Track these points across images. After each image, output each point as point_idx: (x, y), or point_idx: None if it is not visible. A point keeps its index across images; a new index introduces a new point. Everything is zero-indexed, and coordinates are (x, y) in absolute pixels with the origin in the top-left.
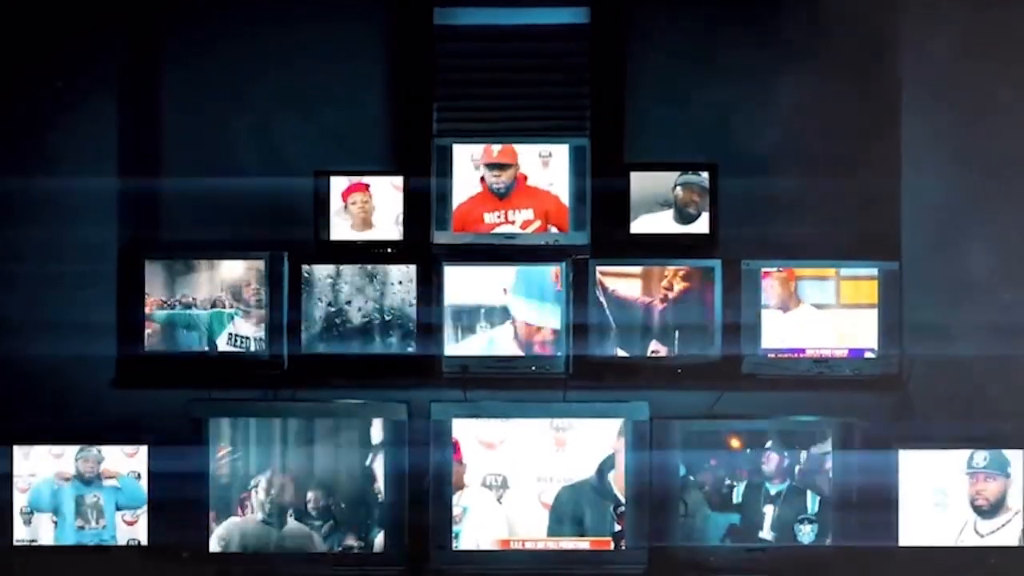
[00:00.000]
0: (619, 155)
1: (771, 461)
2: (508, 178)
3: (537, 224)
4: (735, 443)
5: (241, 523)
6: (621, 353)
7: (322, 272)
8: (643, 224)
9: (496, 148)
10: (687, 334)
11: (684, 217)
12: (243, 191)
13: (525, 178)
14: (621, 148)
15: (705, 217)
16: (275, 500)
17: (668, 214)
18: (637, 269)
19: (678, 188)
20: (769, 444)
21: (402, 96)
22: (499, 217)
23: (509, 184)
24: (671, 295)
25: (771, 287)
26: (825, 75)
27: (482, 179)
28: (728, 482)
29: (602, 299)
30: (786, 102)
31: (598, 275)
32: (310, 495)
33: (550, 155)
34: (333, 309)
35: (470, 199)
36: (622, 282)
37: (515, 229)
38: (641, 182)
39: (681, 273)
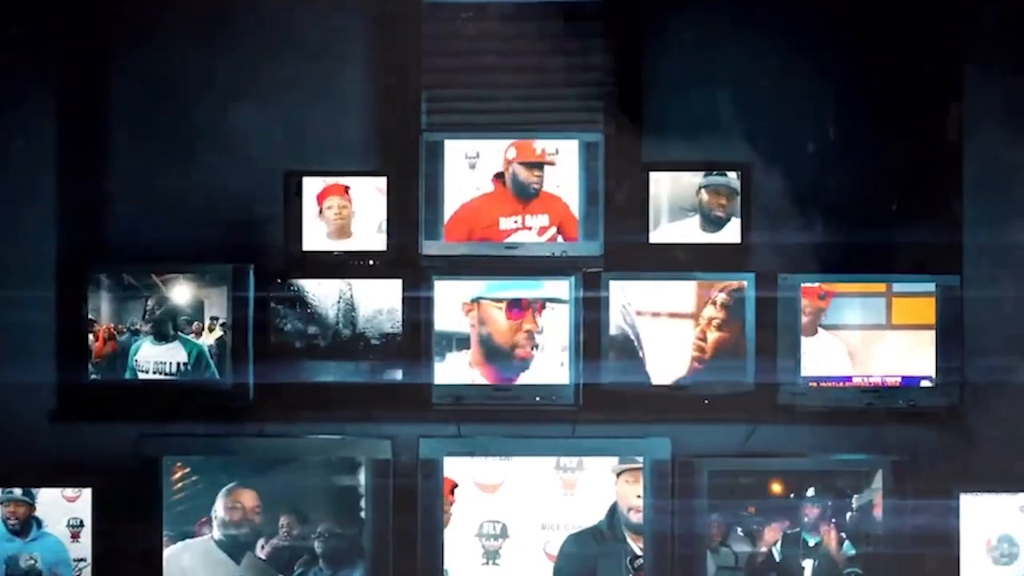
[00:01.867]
0: (637, 153)
1: (812, 507)
2: (544, 177)
3: (552, 232)
4: (770, 486)
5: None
6: (639, 381)
7: (294, 287)
8: (665, 232)
9: (538, 144)
10: (715, 358)
11: (710, 223)
12: (202, 196)
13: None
14: (639, 145)
15: (735, 224)
16: (236, 540)
17: (694, 220)
18: (662, 285)
19: (703, 191)
20: (810, 488)
21: (386, 84)
22: (516, 222)
23: (540, 185)
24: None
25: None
26: (878, 58)
27: (498, 178)
28: (761, 532)
29: (620, 321)
30: (830, 90)
31: (612, 291)
32: (281, 542)
33: (556, 153)
34: (307, 330)
35: (480, 198)
36: (643, 300)
37: (532, 236)
38: (662, 184)
39: (721, 299)
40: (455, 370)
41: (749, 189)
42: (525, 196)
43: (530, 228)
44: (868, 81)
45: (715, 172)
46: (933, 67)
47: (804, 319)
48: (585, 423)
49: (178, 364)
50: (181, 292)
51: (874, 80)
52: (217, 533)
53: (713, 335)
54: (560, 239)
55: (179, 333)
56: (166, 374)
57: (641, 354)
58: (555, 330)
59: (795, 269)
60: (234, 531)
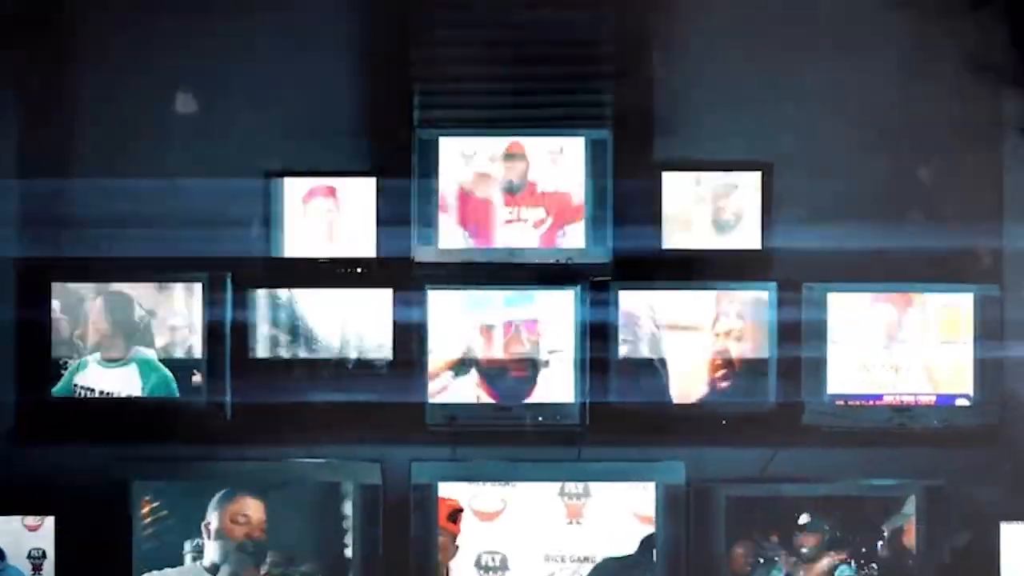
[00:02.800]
0: (648, 151)
1: (838, 535)
2: (522, 172)
3: (549, 223)
4: (794, 513)
5: None
6: (650, 400)
7: (275, 298)
8: (679, 237)
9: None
10: (732, 373)
11: (719, 227)
12: (176, 197)
13: (535, 186)
14: (650, 142)
15: (755, 229)
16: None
17: (709, 225)
18: (676, 295)
19: (713, 191)
20: (837, 515)
21: (375, 76)
22: (512, 213)
23: (522, 179)
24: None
25: None
26: (911, 49)
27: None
28: (784, 561)
29: (631, 334)
30: (858, 83)
31: (622, 301)
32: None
33: (561, 151)
34: (289, 344)
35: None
36: (656, 311)
37: (527, 229)
38: (676, 185)
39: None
40: (453, 387)
41: (770, 190)
42: (509, 189)
43: (525, 220)
44: (901, 74)
45: (731, 172)
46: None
47: (879, 331)
48: (592, 445)
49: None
50: (153, 302)
51: (908, 73)
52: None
53: (735, 348)
54: (566, 237)
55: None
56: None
57: (653, 370)
58: (559, 344)
59: (821, 278)
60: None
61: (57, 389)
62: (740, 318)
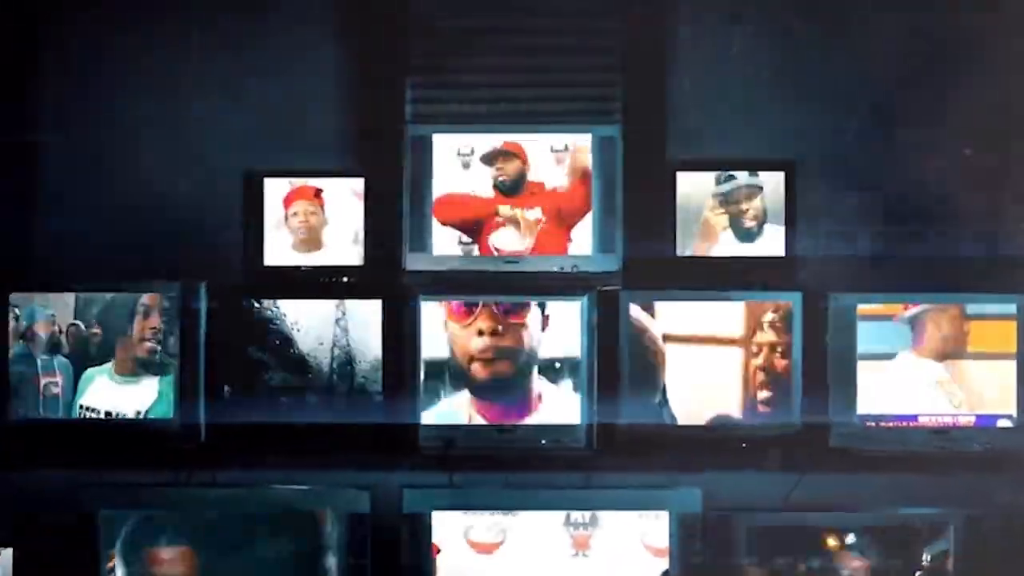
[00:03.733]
0: (661, 149)
1: (870, 567)
2: (514, 171)
3: (553, 228)
4: (821, 544)
5: None
6: (664, 421)
7: (254, 309)
8: (694, 243)
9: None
10: (753, 392)
11: (740, 233)
12: (146, 200)
13: (541, 186)
14: (664, 139)
15: (777, 235)
16: None
17: (728, 230)
18: (691, 306)
19: (729, 194)
20: (868, 546)
21: (363, 66)
22: (512, 217)
23: (516, 178)
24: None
25: None
26: (946, 38)
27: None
28: None
29: (642, 345)
30: (889, 74)
31: (632, 313)
32: None
33: (566, 149)
34: (269, 360)
35: (467, 195)
36: (669, 323)
37: (529, 233)
38: (692, 186)
39: (768, 319)
40: (447, 406)
41: (794, 192)
42: (501, 189)
43: (527, 225)
44: (933, 64)
45: (726, 175)
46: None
47: (914, 345)
48: (600, 470)
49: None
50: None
51: (940, 62)
52: None
53: (756, 363)
54: (573, 250)
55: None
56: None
57: (667, 389)
58: (564, 359)
59: (849, 287)
60: None
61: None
62: (764, 330)
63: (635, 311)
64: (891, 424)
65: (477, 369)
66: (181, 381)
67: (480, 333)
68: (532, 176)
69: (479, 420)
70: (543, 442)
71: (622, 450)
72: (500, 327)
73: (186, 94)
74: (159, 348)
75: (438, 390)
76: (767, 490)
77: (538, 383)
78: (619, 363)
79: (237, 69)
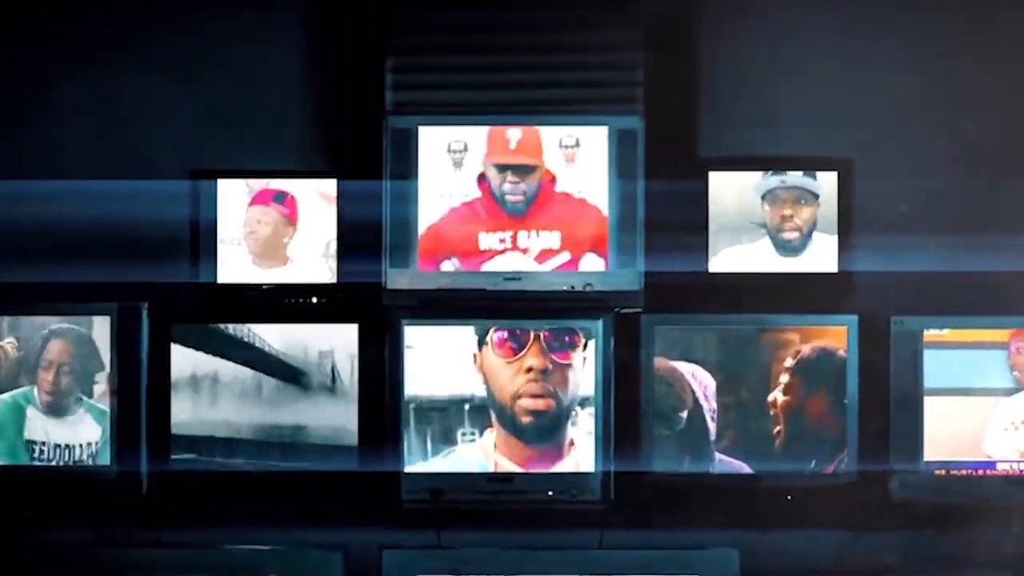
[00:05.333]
0: (690, 145)
1: None
2: (530, 187)
3: (563, 259)
4: None
5: None
6: (692, 469)
7: (206, 335)
8: (729, 256)
9: (514, 136)
10: (801, 434)
11: (782, 246)
12: (76, 205)
13: (553, 180)
14: (694, 135)
15: (823, 245)
16: None
17: (769, 240)
18: (727, 330)
19: (770, 196)
20: None
21: (336, 47)
22: (502, 241)
23: (531, 196)
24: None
25: None
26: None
27: (481, 179)
28: None
29: (668, 378)
30: (957, 57)
31: (656, 339)
32: None
33: (577, 145)
34: (223, 396)
35: (460, 208)
36: (699, 352)
37: (527, 262)
38: (727, 188)
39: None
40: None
41: (850, 196)
42: (509, 211)
43: (525, 250)
44: (1007, 47)
45: (773, 171)
46: None
47: (990, 379)
48: (617, 528)
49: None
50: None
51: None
52: None
53: (803, 400)
54: (588, 266)
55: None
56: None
57: (697, 430)
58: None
59: (913, 310)
60: None
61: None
62: (810, 361)
63: (660, 337)
64: (963, 472)
65: (521, 409)
66: (118, 421)
67: (529, 370)
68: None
69: (509, 466)
70: (550, 494)
71: (643, 503)
72: (550, 365)
73: (122, 78)
74: (75, 386)
75: (450, 431)
76: (816, 551)
77: (572, 428)
78: (641, 400)
79: (183, 47)
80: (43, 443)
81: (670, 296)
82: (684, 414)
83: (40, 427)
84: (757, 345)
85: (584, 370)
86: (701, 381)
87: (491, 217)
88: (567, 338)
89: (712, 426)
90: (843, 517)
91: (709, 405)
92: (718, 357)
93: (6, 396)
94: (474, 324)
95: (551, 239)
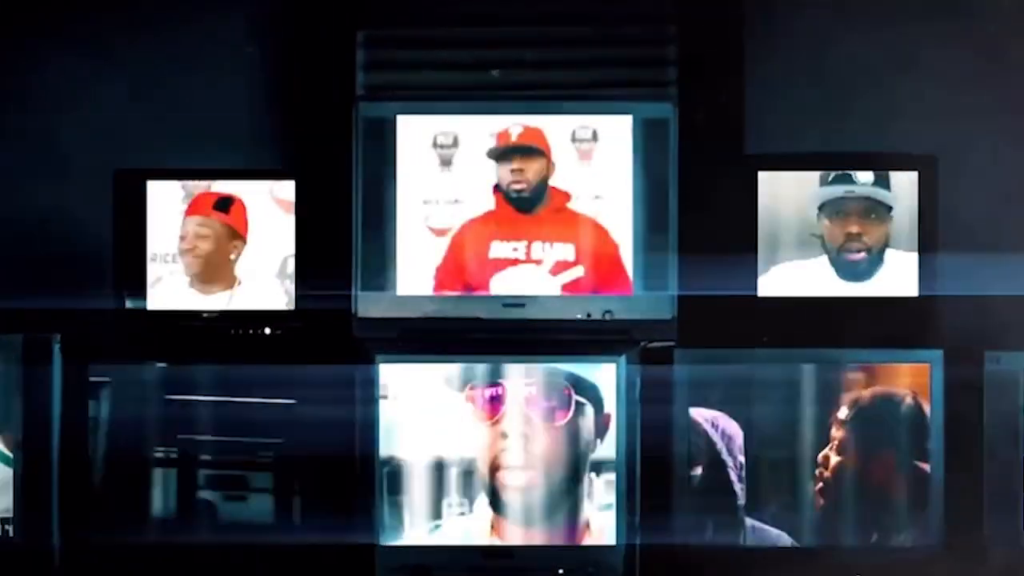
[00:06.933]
0: (736, 139)
1: None
2: (534, 175)
3: (577, 274)
4: None
5: None
6: (733, 541)
7: (132, 375)
8: (783, 277)
9: (515, 131)
10: (871, 496)
11: (843, 268)
12: None
13: (567, 198)
14: (740, 126)
15: (901, 265)
16: None
17: (831, 256)
18: (780, 368)
19: (831, 207)
20: None
21: (296, 20)
22: (516, 250)
23: (536, 187)
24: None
25: None
26: None
27: (496, 187)
28: None
29: (706, 429)
30: None
31: (691, 380)
32: None
33: (594, 138)
34: (154, 450)
35: (479, 218)
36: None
37: (541, 274)
38: (780, 192)
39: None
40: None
41: (934, 203)
42: (516, 205)
43: (539, 262)
44: None
45: (835, 175)
46: None
47: None
48: None
49: None
50: None
51: None
52: None
53: (871, 454)
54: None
55: None
56: None
57: (738, 492)
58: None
59: (1014, 344)
60: None
61: None
62: (857, 408)
63: (696, 377)
64: None
65: (499, 478)
66: (23, 482)
67: (504, 436)
68: (555, 181)
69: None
70: (560, 572)
71: None
72: (531, 431)
73: (32, 55)
74: None
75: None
76: None
77: (588, 506)
78: (673, 455)
79: (107, 22)
80: None
81: (709, 326)
82: (722, 473)
83: None
84: (813, 385)
85: (585, 430)
86: (728, 431)
87: (501, 225)
88: (557, 394)
89: (757, 486)
90: None
91: (751, 463)
92: (764, 402)
93: None
94: (462, 362)
95: (565, 251)
